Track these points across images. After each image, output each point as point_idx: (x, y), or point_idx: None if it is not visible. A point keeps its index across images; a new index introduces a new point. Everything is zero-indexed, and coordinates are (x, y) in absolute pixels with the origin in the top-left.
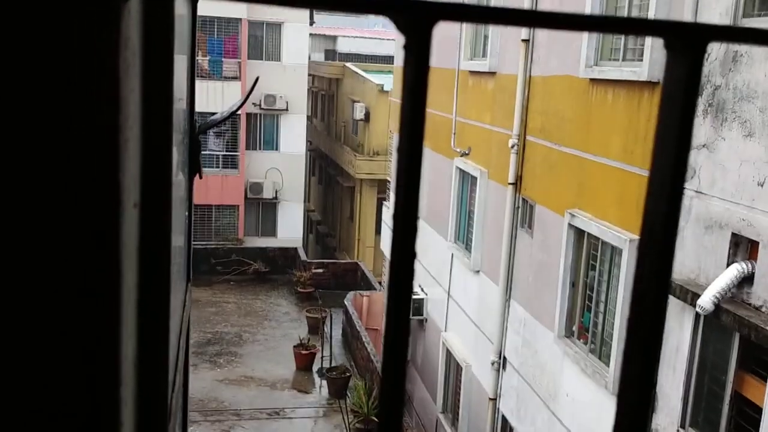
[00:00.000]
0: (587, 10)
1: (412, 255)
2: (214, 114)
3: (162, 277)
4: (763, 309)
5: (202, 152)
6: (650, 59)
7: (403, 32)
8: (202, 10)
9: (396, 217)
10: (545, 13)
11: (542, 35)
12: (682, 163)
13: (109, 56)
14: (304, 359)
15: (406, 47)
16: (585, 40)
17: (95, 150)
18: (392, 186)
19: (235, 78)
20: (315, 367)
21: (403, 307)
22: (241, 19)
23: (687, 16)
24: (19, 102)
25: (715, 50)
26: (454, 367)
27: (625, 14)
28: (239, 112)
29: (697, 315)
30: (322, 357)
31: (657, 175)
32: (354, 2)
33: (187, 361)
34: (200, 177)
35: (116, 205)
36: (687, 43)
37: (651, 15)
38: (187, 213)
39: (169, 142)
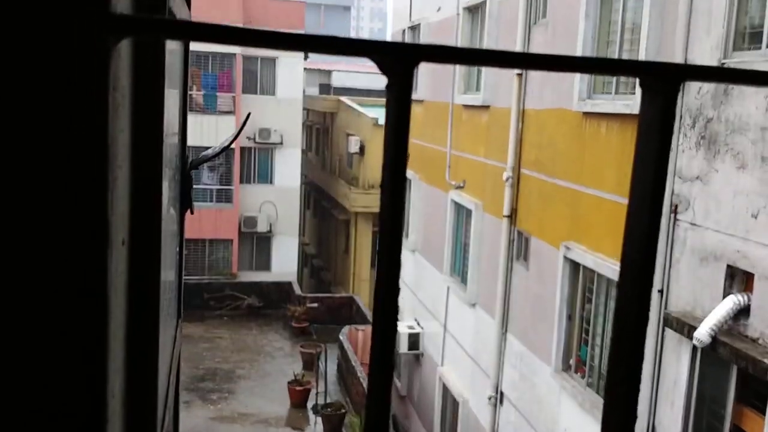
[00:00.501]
0: (579, 45)
1: (396, 290)
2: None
3: (151, 314)
4: (760, 341)
5: (197, 186)
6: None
7: (385, 73)
8: (197, 45)
9: (380, 254)
10: (523, 54)
11: None
12: (657, 198)
13: (97, 97)
14: (299, 396)
15: (387, 87)
16: (578, 74)
17: (83, 189)
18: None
19: (229, 112)
20: (310, 404)
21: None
22: (235, 54)
23: (678, 51)
24: (8, 139)
25: (706, 83)
26: (450, 402)
27: (617, 48)
28: (233, 146)
29: (695, 348)
30: (317, 393)
31: (635, 208)
32: (338, 45)
33: (177, 397)
34: (191, 212)
35: (104, 242)
36: (661, 82)
37: (642, 49)
38: (178, 248)
39: (159, 181)
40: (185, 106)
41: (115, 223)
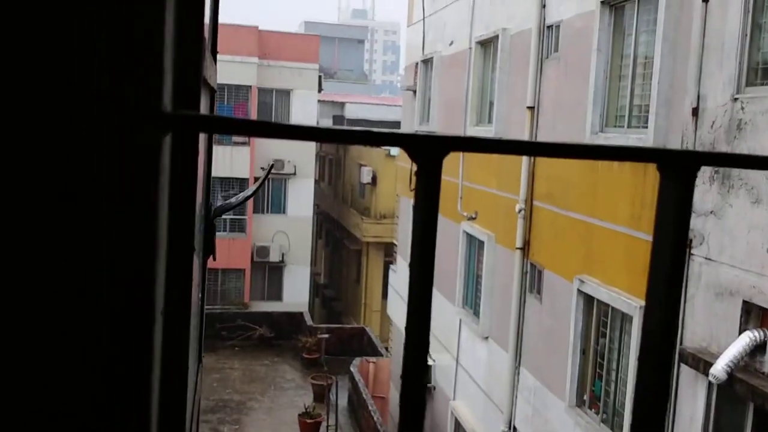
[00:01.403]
0: (591, 80)
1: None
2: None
3: (180, 383)
4: None
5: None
6: (655, 126)
7: (415, 161)
8: None
9: (408, 331)
10: (545, 144)
11: (547, 101)
12: (677, 280)
13: (149, 186)
14: (310, 428)
15: (417, 174)
16: (590, 106)
17: (134, 266)
18: (407, 292)
19: (244, 144)
20: None
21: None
22: (251, 86)
23: (690, 85)
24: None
25: (719, 117)
26: None
27: (629, 82)
28: (247, 175)
29: (710, 384)
30: (327, 426)
31: (652, 298)
32: (371, 137)
33: None
34: (214, 259)
35: (150, 327)
36: (678, 168)
37: (654, 83)
38: (200, 294)
39: (191, 249)
40: (210, 162)
41: (157, 297)
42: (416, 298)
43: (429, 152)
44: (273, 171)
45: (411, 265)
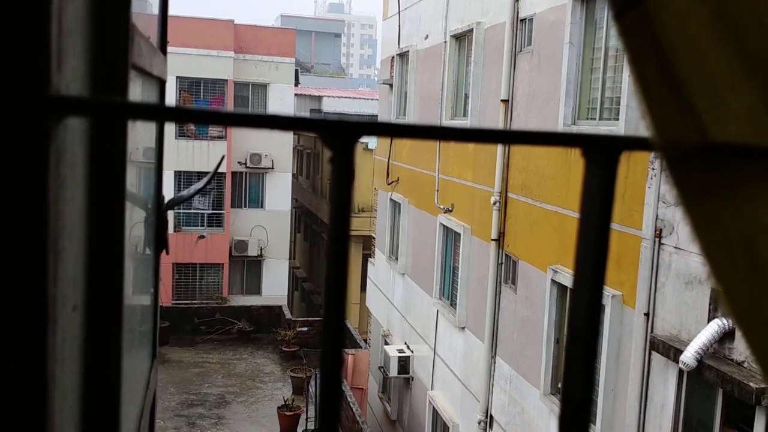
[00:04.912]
0: (563, 72)
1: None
2: (201, 173)
3: (111, 379)
4: (745, 364)
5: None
6: (626, 118)
7: (329, 147)
8: (189, 71)
9: (325, 317)
10: (465, 129)
11: (521, 94)
12: (600, 267)
13: (36, 178)
14: (289, 421)
15: (331, 161)
16: (563, 99)
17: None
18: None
19: (220, 137)
20: (300, 429)
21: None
22: (227, 80)
23: None
24: None
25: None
26: (440, 427)
27: (601, 74)
28: (224, 170)
29: (681, 371)
30: (306, 418)
31: (579, 273)
32: (285, 122)
33: None
34: (167, 253)
35: (42, 324)
36: (602, 153)
37: (625, 75)
38: (153, 290)
39: (121, 242)
40: (162, 143)
41: (63, 291)
42: (332, 292)
43: (341, 137)
44: (251, 165)
45: (327, 256)
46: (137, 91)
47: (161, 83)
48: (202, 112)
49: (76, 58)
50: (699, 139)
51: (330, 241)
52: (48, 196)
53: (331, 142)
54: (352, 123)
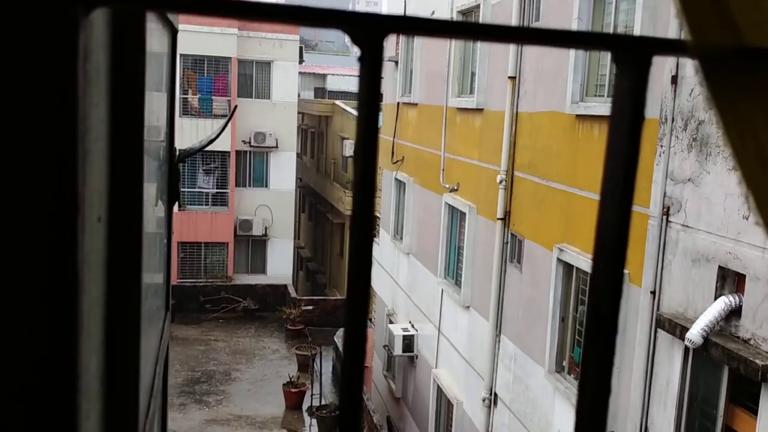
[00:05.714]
0: (570, 63)
1: (369, 262)
2: (205, 152)
3: (132, 290)
4: (751, 342)
5: (193, 190)
6: None
7: (356, 44)
8: (192, 49)
9: (352, 228)
10: (490, 25)
11: (529, 71)
12: (630, 176)
13: (66, 68)
14: (294, 398)
15: (360, 59)
16: (570, 76)
17: (50, 158)
18: (352, 203)
19: (224, 116)
20: (305, 406)
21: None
22: (231, 57)
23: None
24: None
25: (698, 85)
26: (445, 404)
27: (609, 59)
28: (229, 149)
29: (687, 349)
30: (311, 395)
31: (608, 187)
32: (309, 16)
33: (166, 389)
34: (180, 207)
35: (73, 216)
36: (633, 55)
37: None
38: (166, 240)
39: (140, 159)
40: (173, 101)
41: (89, 199)
42: (360, 198)
43: (371, 32)
44: (255, 144)
45: (354, 162)
46: (162, 41)
47: (174, 31)
48: (225, 2)
49: None
50: (733, 41)
51: (357, 143)
52: (77, 87)
53: (360, 37)
54: (382, 16)
